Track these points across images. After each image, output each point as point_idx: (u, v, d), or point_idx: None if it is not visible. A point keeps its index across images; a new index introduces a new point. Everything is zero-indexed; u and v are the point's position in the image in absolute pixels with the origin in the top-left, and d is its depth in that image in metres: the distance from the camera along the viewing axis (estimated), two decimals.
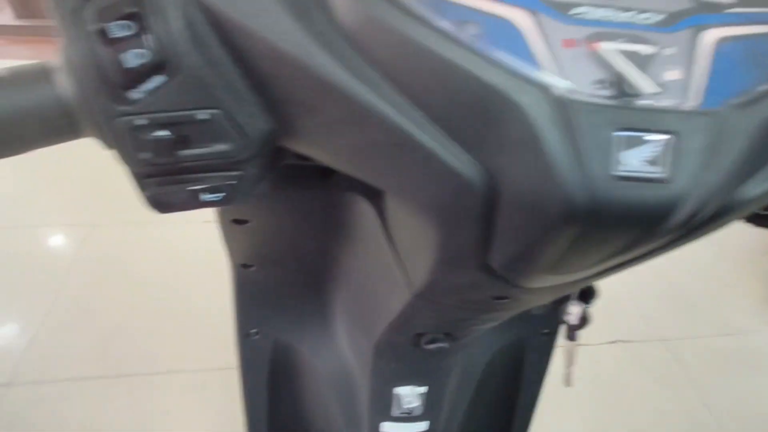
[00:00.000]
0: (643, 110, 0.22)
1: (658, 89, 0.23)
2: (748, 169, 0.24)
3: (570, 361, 0.51)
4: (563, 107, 0.21)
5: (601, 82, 0.22)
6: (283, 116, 0.25)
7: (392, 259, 0.36)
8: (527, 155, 0.21)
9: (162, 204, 0.26)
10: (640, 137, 0.21)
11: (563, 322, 0.48)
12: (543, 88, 0.21)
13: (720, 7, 0.25)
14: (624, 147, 0.21)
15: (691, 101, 0.23)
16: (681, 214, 0.22)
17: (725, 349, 1.55)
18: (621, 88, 0.22)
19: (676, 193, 0.22)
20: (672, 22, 0.24)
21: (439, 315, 0.39)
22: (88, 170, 1.85)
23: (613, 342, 1.52)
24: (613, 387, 1.40)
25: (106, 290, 1.52)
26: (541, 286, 0.30)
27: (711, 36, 0.25)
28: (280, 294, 0.56)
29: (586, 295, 0.43)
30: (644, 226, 0.23)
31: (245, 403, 0.63)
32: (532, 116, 0.21)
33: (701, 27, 0.25)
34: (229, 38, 0.22)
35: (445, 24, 0.22)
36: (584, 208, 0.21)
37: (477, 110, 0.22)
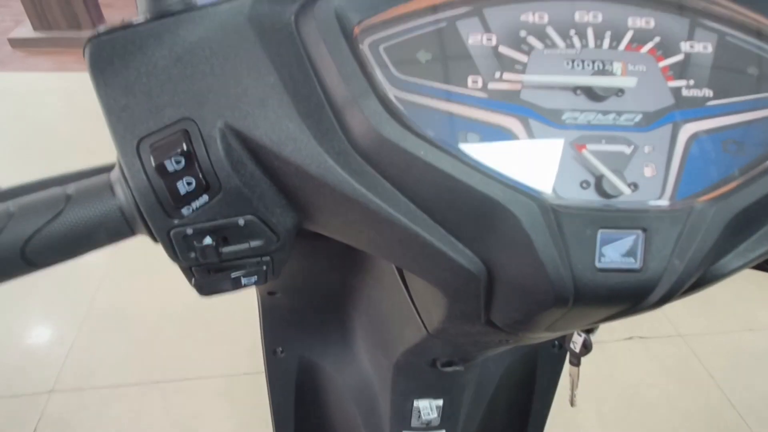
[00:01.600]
0: (620, 210, 0.25)
1: (633, 190, 0.26)
2: (722, 251, 0.27)
3: (574, 384, 0.54)
4: (551, 213, 0.24)
5: (586, 182, 0.26)
6: (307, 215, 0.29)
7: (408, 301, 0.40)
8: (522, 254, 0.24)
9: (206, 289, 0.30)
10: (617, 234, 0.25)
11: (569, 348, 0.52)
12: (533, 197, 0.24)
13: (700, 102, 0.28)
14: (604, 243, 0.24)
15: (666, 196, 0.26)
16: (654, 296, 0.25)
17: (747, 346, 1.54)
18: (602, 188, 0.25)
19: (648, 280, 0.25)
20: (651, 120, 0.27)
21: (453, 347, 0.42)
22: None
23: (629, 338, 1.53)
24: (630, 384, 1.40)
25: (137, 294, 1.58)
26: (543, 336, 0.33)
27: (686, 132, 0.27)
28: (303, 316, 0.59)
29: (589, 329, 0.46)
30: (623, 307, 0.26)
31: (273, 416, 0.67)
32: (525, 223, 0.24)
33: (678, 123, 0.27)
34: (261, 160, 0.26)
35: (446, 137, 0.25)
36: (570, 296, 0.25)
37: (476, 216, 0.25)
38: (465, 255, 0.26)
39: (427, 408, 0.55)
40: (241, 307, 1.36)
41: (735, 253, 0.27)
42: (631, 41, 0.28)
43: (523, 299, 0.26)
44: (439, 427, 0.56)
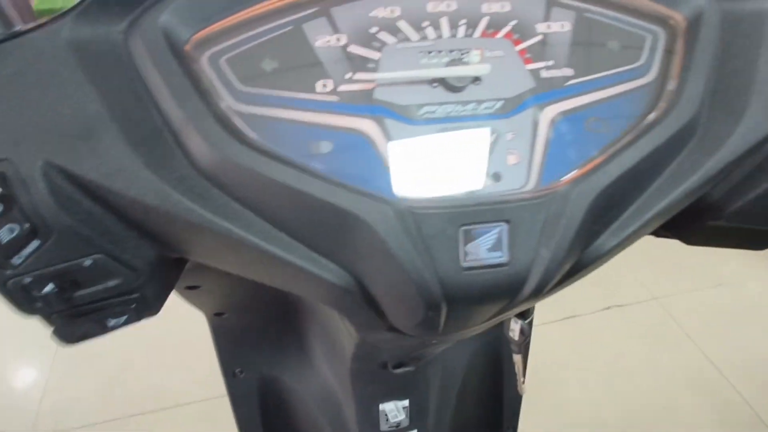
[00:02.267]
0: (481, 203, 0.24)
1: (496, 180, 0.25)
2: (593, 233, 0.26)
3: (520, 372, 0.54)
4: (409, 216, 0.23)
5: (446, 178, 0.25)
6: (166, 244, 0.27)
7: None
8: (384, 263, 0.23)
9: (69, 336, 0.28)
10: (481, 229, 0.24)
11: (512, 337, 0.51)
12: (388, 202, 0.23)
13: (559, 82, 0.27)
14: (468, 240, 0.23)
15: (531, 183, 0.25)
16: (528, 288, 0.24)
17: (717, 301, 1.58)
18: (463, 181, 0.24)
19: (517, 273, 0.24)
20: (511, 106, 0.26)
21: (393, 350, 0.41)
22: None
23: (607, 308, 1.54)
24: (612, 354, 1.42)
25: None
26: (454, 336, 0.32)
27: (548, 115, 0.26)
28: (257, 334, 0.58)
29: (523, 313, 0.46)
30: (501, 301, 0.25)
31: None
32: (381, 230, 0.23)
33: (539, 107, 0.26)
34: (96, 196, 0.24)
35: (296, 149, 0.24)
36: (440, 299, 0.24)
37: (332, 229, 0.24)
38: (330, 270, 0.25)
39: (394, 410, 0.54)
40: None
41: (609, 233, 0.27)
42: (487, 27, 0.28)
43: (401, 305, 0.25)
44: (410, 427, 0.55)
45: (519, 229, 0.24)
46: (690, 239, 0.35)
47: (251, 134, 0.24)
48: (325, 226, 0.24)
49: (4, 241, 0.23)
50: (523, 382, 0.54)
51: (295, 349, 0.59)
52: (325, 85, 0.25)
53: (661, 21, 0.30)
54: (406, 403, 0.53)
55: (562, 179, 0.25)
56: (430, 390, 0.55)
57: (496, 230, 0.23)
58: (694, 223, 0.33)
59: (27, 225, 0.23)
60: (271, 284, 0.29)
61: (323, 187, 0.23)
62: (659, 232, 0.36)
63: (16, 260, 0.24)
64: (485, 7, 0.28)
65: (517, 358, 0.52)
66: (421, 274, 0.23)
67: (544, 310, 1.52)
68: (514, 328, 0.48)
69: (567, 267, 0.25)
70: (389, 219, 0.23)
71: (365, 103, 0.25)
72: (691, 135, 0.28)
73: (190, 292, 0.47)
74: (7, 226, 0.23)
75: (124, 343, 1.47)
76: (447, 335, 0.31)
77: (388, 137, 0.25)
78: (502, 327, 0.64)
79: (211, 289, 0.48)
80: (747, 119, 0.27)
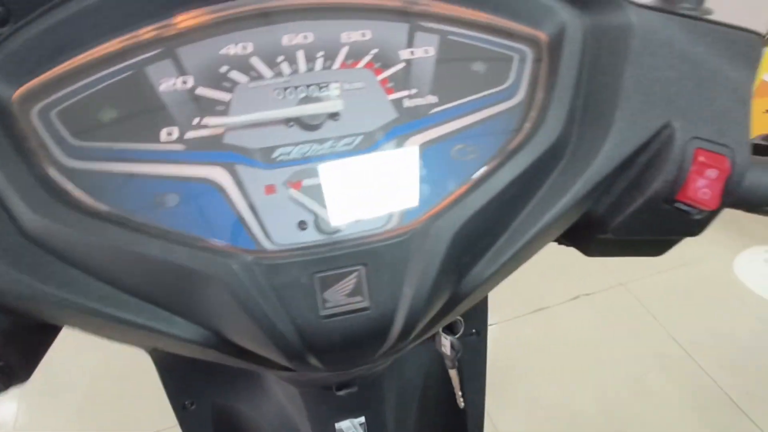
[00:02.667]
0: (338, 248, 0.23)
1: (356, 221, 0.23)
2: (465, 265, 0.25)
3: (457, 387, 0.54)
4: (258, 269, 0.21)
5: (304, 223, 0.23)
6: (13, 314, 0.24)
7: None
8: (240, 318, 0.22)
9: None
10: (339, 273, 0.22)
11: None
12: (235, 256, 0.21)
13: (424, 110, 0.26)
14: (326, 287, 0.22)
15: (393, 221, 0.24)
16: (395, 329, 0.23)
17: (681, 281, 1.61)
18: (319, 226, 0.23)
19: (382, 315, 0.23)
20: (373, 140, 0.25)
21: (329, 374, 0.39)
22: None
23: (575, 298, 1.56)
24: (584, 342, 1.44)
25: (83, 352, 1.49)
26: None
27: (412, 146, 0.25)
28: (203, 362, 0.56)
29: (452, 328, 0.45)
30: (371, 346, 0.24)
31: None
32: (229, 286, 0.21)
33: (401, 139, 0.25)
34: None
35: (136, 205, 0.22)
36: (301, 349, 0.22)
37: (181, 288, 0.22)
38: (187, 328, 0.23)
39: (351, 428, 0.53)
40: None
41: (486, 261, 0.25)
42: (347, 57, 0.26)
43: (269, 354, 0.24)
44: None
45: (379, 271, 0.22)
46: (587, 251, 0.34)
47: (80, 194, 0.22)
48: (172, 286, 0.22)
49: None
50: (462, 396, 0.54)
51: (245, 375, 0.57)
52: (170, 133, 0.24)
53: (527, 40, 0.29)
54: (362, 419, 0.52)
55: (424, 214, 0.24)
56: (386, 405, 0.54)
57: (354, 275, 0.22)
58: (586, 237, 0.33)
59: None
60: (138, 346, 0.27)
61: (162, 246, 0.21)
62: (561, 242, 0.36)
63: None
64: (345, 37, 0.27)
65: (452, 373, 0.52)
66: (276, 327, 0.22)
67: (514, 303, 1.54)
68: (445, 343, 0.47)
69: (440, 302, 0.24)
70: (236, 273, 0.21)
71: (214, 150, 0.24)
72: (561, 155, 0.27)
73: None
74: None
75: (87, 374, 1.45)
76: (344, 371, 0.29)
77: (239, 184, 0.23)
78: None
79: None
80: (613, 136, 0.26)
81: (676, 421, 1.25)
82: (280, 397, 0.58)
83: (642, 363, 1.38)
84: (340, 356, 0.24)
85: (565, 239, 0.35)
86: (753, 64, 0.29)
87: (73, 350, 1.50)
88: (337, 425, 0.52)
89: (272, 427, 0.60)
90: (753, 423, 1.24)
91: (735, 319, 1.50)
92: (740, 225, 1.77)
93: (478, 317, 0.62)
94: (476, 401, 0.70)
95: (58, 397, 1.41)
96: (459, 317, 0.46)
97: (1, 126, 0.22)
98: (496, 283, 0.28)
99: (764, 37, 0.30)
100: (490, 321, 0.62)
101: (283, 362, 0.24)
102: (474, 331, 0.64)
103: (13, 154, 0.21)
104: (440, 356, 0.64)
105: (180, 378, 0.57)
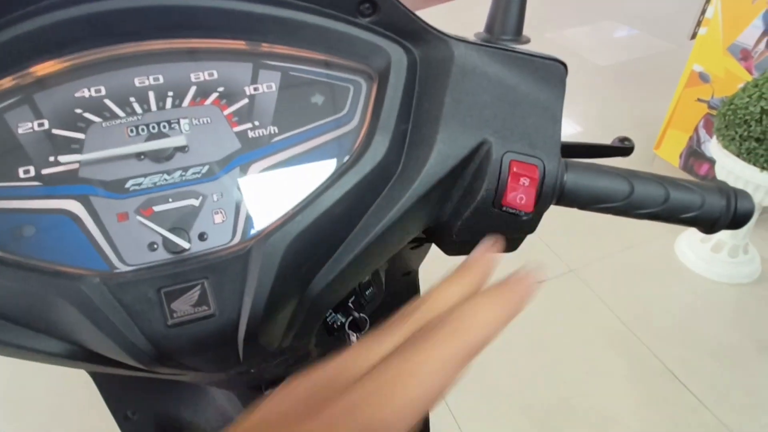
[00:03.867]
0: (181, 263, 0.26)
1: (203, 239, 0.27)
2: (305, 273, 0.28)
3: None
4: (105, 289, 0.24)
5: (155, 244, 0.26)
6: None
7: None
8: (97, 333, 0.25)
9: None
10: (184, 287, 0.26)
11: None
12: (89, 279, 0.24)
13: (265, 140, 0.29)
14: (172, 299, 0.25)
15: (237, 238, 0.27)
16: (242, 331, 0.26)
17: (629, 262, 1.70)
18: (167, 246, 0.26)
19: (227, 321, 0.26)
20: (218, 169, 0.28)
21: (257, 375, 0.42)
22: None
23: None
24: (538, 328, 1.51)
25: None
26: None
27: (253, 172, 0.29)
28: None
29: (357, 326, 0.49)
30: (222, 349, 0.27)
31: None
32: (80, 308, 0.24)
33: (245, 166, 0.29)
34: None
35: None
36: (153, 357, 0.25)
37: (42, 310, 0.25)
38: (53, 344, 0.26)
39: None
40: None
41: (327, 268, 0.29)
42: (195, 96, 0.29)
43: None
44: None
45: (222, 283, 0.26)
46: (446, 251, 0.39)
47: None
48: (34, 309, 0.24)
49: None
50: None
51: (183, 382, 0.58)
52: (27, 171, 0.26)
53: (361, 72, 0.33)
54: None
55: (263, 231, 0.27)
56: None
57: (197, 287, 0.25)
58: (440, 240, 0.37)
59: None
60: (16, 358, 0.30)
61: (18, 274, 0.24)
62: (425, 240, 0.40)
63: None
64: (193, 77, 0.29)
65: None
66: (128, 338, 0.24)
67: None
68: (353, 340, 0.51)
69: (287, 306, 0.28)
70: (86, 293, 0.24)
71: (69, 184, 0.26)
72: (390, 173, 0.31)
73: None
74: None
75: (49, 394, 1.44)
76: (225, 371, 0.32)
77: (92, 213, 0.26)
78: None
79: None
80: (435, 154, 0.30)
81: (618, 389, 1.34)
82: (222, 401, 0.60)
83: (591, 343, 1.46)
84: (200, 359, 0.27)
85: (431, 241, 0.40)
86: (559, 87, 0.35)
87: (32, 372, 1.49)
88: None
89: (215, 430, 0.62)
90: (686, 388, 1.33)
91: (673, 295, 1.60)
92: None
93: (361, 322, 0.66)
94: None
95: (20, 421, 1.40)
96: (363, 315, 0.50)
97: None
98: (345, 286, 0.31)
99: (565, 65, 0.35)
100: None
101: (143, 368, 0.27)
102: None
103: None
104: None
105: (119, 388, 0.58)
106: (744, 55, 1.71)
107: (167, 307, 0.25)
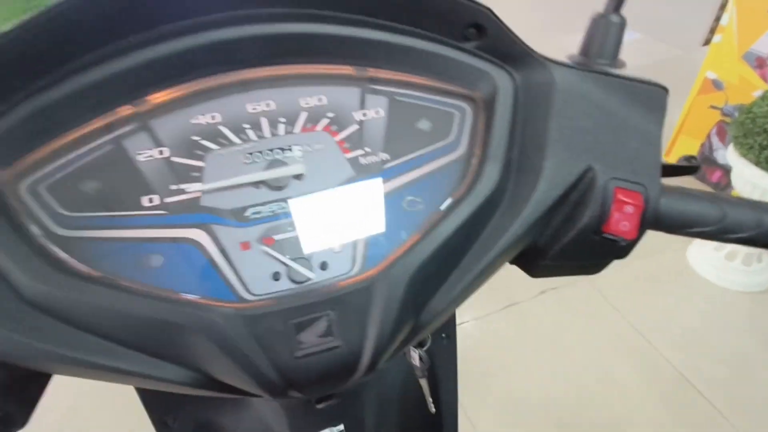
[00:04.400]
0: (309, 296, 0.25)
1: (324, 269, 0.26)
2: (420, 301, 0.28)
3: (428, 394, 0.58)
4: (239, 321, 0.24)
5: (278, 274, 0.26)
6: (6, 370, 0.26)
7: None
8: (224, 363, 0.24)
9: None
10: (311, 318, 0.25)
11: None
12: (216, 310, 0.24)
13: (377, 167, 0.29)
14: (300, 331, 0.25)
15: (356, 267, 0.27)
16: (364, 361, 0.26)
17: (640, 272, 1.71)
18: (291, 276, 0.26)
19: (352, 352, 0.26)
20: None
21: None
22: None
23: (542, 292, 1.63)
24: (552, 334, 1.51)
25: None
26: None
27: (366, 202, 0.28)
28: None
29: (420, 342, 0.48)
30: (345, 376, 0.27)
31: None
32: (213, 338, 0.24)
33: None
34: None
35: (124, 268, 0.24)
36: (282, 386, 0.25)
37: (170, 340, 0.24)
38: (176, 371, 0.26)
39: None
40: None
41: (440, 294, 0.29)
42: (306, 122, 0.29)
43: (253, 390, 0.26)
44: None
45: (345, 314, 0.25)
46: (532, 274, 0.38)
47: (72, 260, 0.24)
48: (161, 337, 0.24)
49: None
50: (435, 401, 0.58)
51: None
52: (151, 200, 0.26)
53: (466, 98, 0.32)
54: (341, 427, 0.55)
55: (383, 261, 0.27)
56: (366, 412, 0.57)
57: (324, 319, 0.25)
58: (530, 262, 0.37)
59: None
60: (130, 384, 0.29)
61: (149, 303, 0.24)
62: (513, 263, 0.40)
63: None
64: (303, 102, 0.29)
65: (422, 382, 0.56)
66: (259, 369, 0.24)
67: (486, 302, 1.60)
68: (414, 356, 0.51)
69: (403, 333, 0.27)
70: (219, 324, 0.24)
71: (192, 212, 0.26)
72: (500, 200, 0.30)
73: None
74: None
75: (59, 403, 1.42)
76: (321, 395, 0.32)
77: (216, 242, 0.25)
78: (429, 343, 0.68)
79: None
80: (543, 182, 0.30)
81: (632, 396, 1.34)
82: (262, 411, 0.60)
83: (605, 350, 1.47)
84: (317, 387, 0.27)
85: (513, 263, 0.40)
86: (659, 111, 0.34)
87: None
88: None
89: None
90: (701, 395, 1.33)
91: (687, 303, 1.60)
92: None
93: (446, 323, 0.66)
94: (449, 402, 0.74)
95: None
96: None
97: None
98: (452, 311, 0.31)
99: (667, 90, 0.35)
100: (465, 318, 0.66)
101: (268, 397, 0.27)
102: (444, 335, 0.68)
103: (7, 227, 0.23)
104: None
105: (160, 394, 0.58)
106: (759, 63, 1.71)
107: (295, 338, 0.25)
